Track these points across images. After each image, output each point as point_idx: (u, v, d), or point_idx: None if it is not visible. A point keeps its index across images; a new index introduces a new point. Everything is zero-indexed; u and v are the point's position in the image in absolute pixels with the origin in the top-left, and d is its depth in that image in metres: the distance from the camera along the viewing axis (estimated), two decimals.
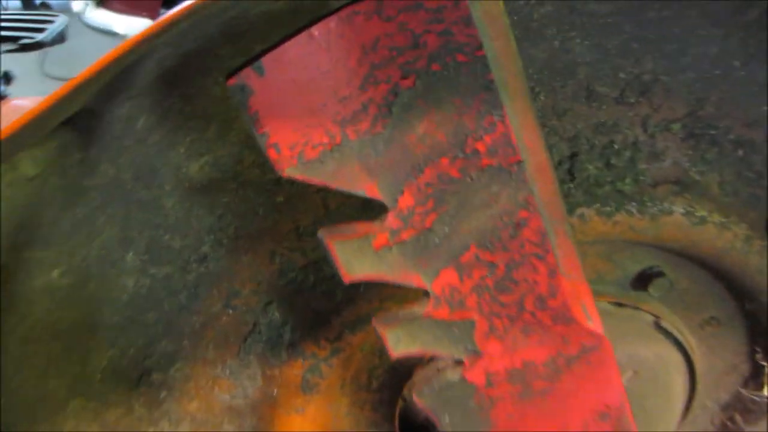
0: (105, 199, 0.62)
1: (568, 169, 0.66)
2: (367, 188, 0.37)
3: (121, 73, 0.41)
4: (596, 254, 0.75)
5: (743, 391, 0.89)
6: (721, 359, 0.86)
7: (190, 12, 0.35)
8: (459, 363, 0.49)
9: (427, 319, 0.46)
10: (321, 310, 0.75)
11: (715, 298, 0.80)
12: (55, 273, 0.62)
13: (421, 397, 0.50)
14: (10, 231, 0.51)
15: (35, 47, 0.68)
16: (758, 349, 0.84)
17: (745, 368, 0.86)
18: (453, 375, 0.50)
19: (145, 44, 0.35)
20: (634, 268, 0.78)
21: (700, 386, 0.86)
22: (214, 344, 0.78)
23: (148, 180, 0.62)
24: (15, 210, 0.51)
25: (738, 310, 0.80)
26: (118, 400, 0.75)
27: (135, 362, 0.75)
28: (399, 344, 0.44)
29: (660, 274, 0.77)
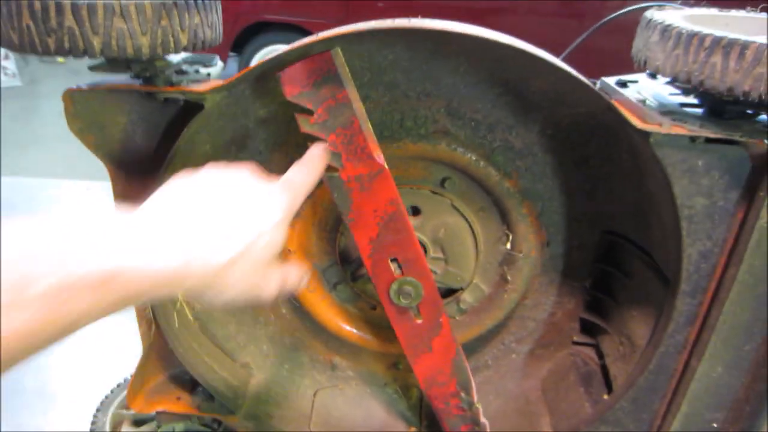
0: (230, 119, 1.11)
1: (399, 122, 1.09)
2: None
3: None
4: (422, 168, 1.14)
5: (504, 251, 1.22)
6: (492, 233, 1.22)
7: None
8: (337, 169, 0.98)
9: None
10: None
11: (480, 195, 1.17)
12: (207, 147, 1.09)
13: (324, 179, 1.02)
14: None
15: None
16: (505, 225, 1.20)
17: (504, 238, 1.22)
18: (335, 174, 0.98)
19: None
20: (440, 175, 1.15)
21: (482, 248, 1.22)
22: None
23: (247, 118, 1.08)
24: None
25: (492, 202, 1.17)
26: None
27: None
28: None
29: (450, 179, 1.14)
